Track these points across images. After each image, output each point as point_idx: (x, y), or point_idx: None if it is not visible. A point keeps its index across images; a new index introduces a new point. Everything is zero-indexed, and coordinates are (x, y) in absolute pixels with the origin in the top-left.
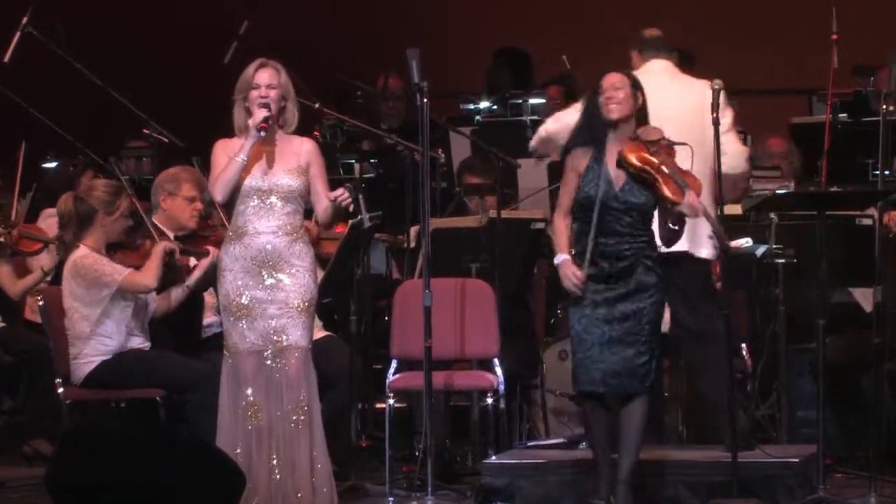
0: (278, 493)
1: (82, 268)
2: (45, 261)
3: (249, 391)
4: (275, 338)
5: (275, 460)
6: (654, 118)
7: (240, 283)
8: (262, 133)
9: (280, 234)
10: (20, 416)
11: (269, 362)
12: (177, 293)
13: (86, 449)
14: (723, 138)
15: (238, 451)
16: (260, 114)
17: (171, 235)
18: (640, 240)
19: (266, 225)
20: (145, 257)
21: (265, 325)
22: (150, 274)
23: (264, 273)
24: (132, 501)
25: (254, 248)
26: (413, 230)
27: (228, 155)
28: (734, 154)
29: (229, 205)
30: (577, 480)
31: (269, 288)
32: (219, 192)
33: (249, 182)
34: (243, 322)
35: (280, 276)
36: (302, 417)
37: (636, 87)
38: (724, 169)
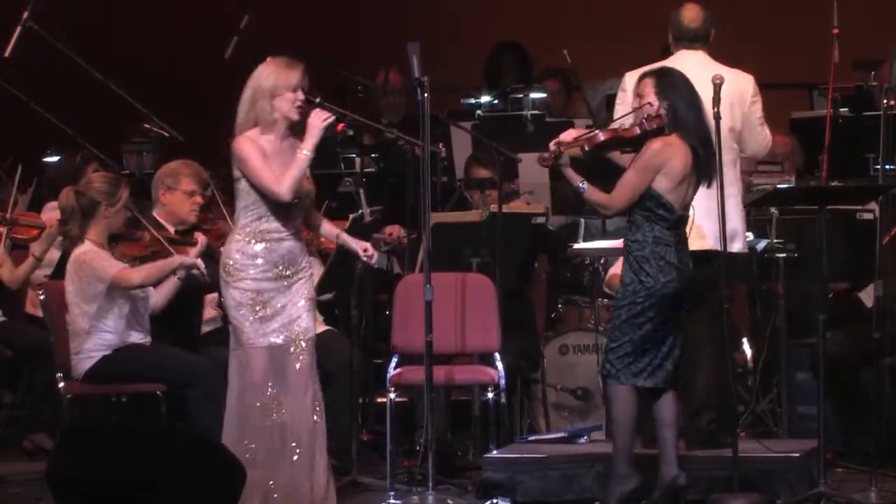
0: (298, 486)
1: (83, 263)
2: (35, 247)
3: (269, 386)
4: (296, 330)
5: (297, 454)
6: None
7: (260, 282)
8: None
9: (297, 237)
10: (21, 411)
11: (289, 357)
12: (170, 285)
13: (86, 444)
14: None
15: (252, 446)
16: (325, 115)
17: (171, 229)
18: (630, 236)
19: (289, 229)
20: (147, 248)
21: (284, 319)
22: (140, 273)
23: (283, 273)
24: (133, 496)
25: (277, 252)
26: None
27: (264, 149)
28: (758, 149)
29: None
30: (578, 475)
31: (286, 287)
32: (289, 192)
33: None
34: (261, 318)
35: (295, 275)
36: (318, 409)
37: (661, 87)
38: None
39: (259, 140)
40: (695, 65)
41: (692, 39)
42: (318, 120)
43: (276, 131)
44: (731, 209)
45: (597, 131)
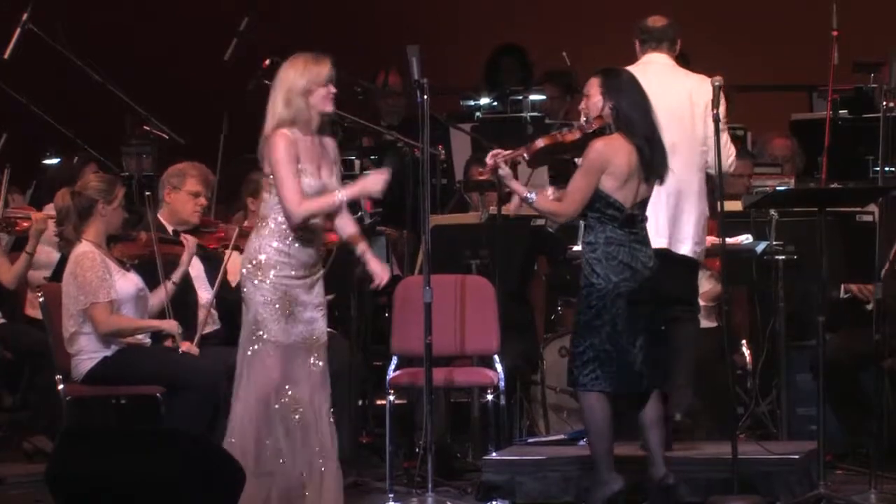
0: (320, 481)
1: (79, 267)
2: (27, 246)
3: (288, 386)
4: (316, 333)
5: (322, 457)
6: None
7: (286, 283)
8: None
9: (321, 239)
10: (21, 413)
11: (307, 358)
12: (167, 288)
13: (86, 445)
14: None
15: (270, 444)
16: (382, 182)
17: (171, 230)
18: (585, 239)
19: (318, 229)
20: (145, 248)
21: (307, 320)
22: (113, 325)
23: (307, 274)
24: (132, 498)
25: (307, 251)
26: None
27: (298, 150)
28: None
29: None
30: (578, 476)
31: (309, 287)
32: (303, 220)
33: (317, 186)
34: (288, 317)
35: (314, 276)
36: (332, 410)
37: (606, 86)
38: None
39: (295, 138)
40: (661, 67)
41: (659, 40)
42: (375, 186)
43: (312, 128)
44: (690, 214)
45: (536, 139)
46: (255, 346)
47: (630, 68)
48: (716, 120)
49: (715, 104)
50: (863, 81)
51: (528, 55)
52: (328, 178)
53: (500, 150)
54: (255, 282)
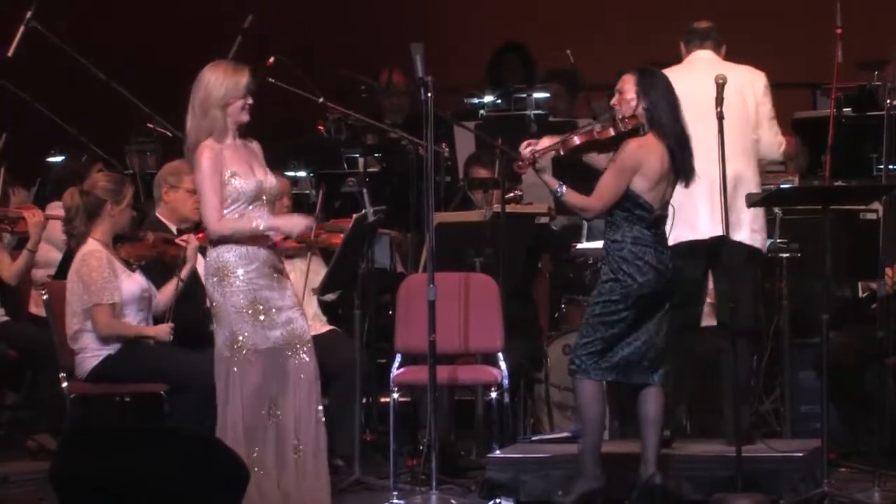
0: (301, 487)
1: (85, 266)
2: (28, 243)
3: (273, 389)
4: (296, 333)
5: (299, 455)
6: (696, 107)
7: (255, 283)
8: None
9: (273, 234)
10: (24, 411)
11: (289, 360)
12: (172, 287)
13: (90, 443)
14: (766, 125)
15: (258, 450)
16: (306, 223)
17: (174, 228)
18: (610, 236)
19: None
20: (152, 249)
21: (284, 322)
22: (114, 329)
23: (272, 273)
24: (136, 497)
25: (263, 252)
26: None
27: (224, 159)
28: (770, 147)
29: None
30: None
31: (278, 287)
32: (217, 234)
33: (253, 185)
34: (263, 322)
35: (281, 275)
36: (320, 413)
37: (641, 84)
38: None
39: (219, 149)
40: (708, 63)
41: (703, 38)
42: (294, 227)
43: (231, 136)
44: (741, 198)
45: (572, 135)
46: (236, 358)
47: (677, 67)
48: (719, 118)
49: (718, 101)
50: (866, 79)
51: (531, 53)
52: (263, 177)
53: (532, 141)
54: (224, 290)
